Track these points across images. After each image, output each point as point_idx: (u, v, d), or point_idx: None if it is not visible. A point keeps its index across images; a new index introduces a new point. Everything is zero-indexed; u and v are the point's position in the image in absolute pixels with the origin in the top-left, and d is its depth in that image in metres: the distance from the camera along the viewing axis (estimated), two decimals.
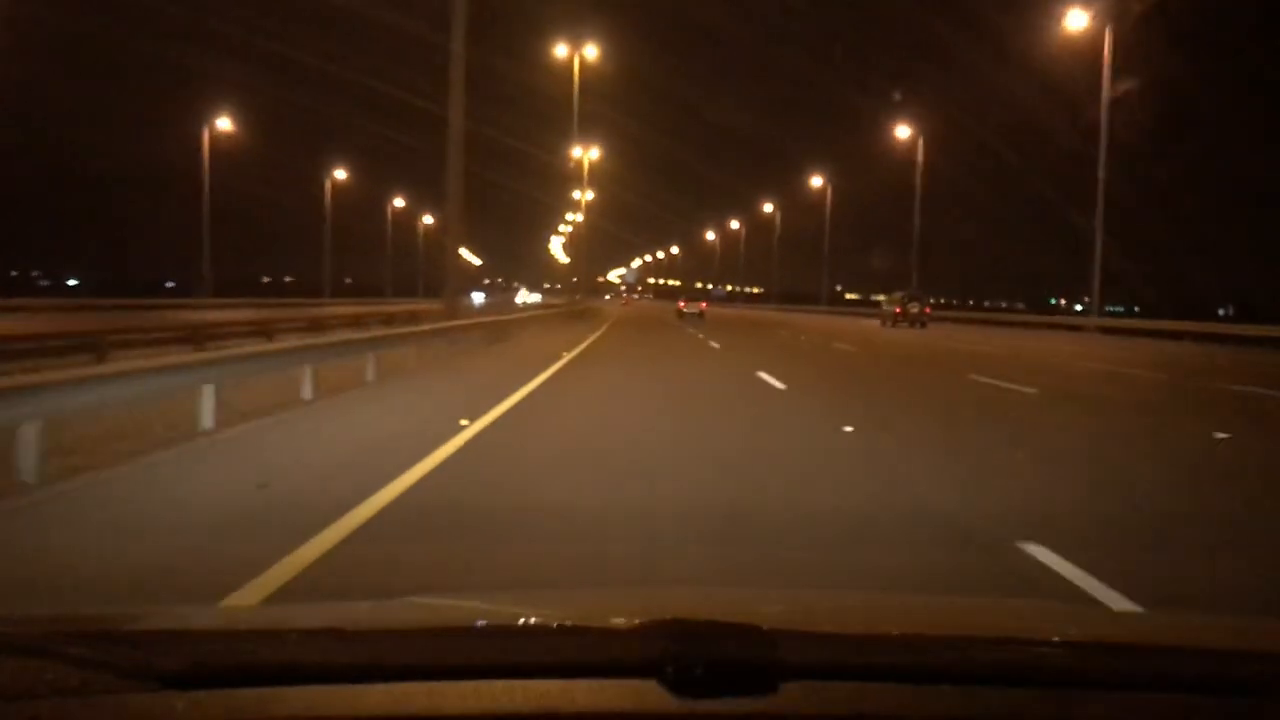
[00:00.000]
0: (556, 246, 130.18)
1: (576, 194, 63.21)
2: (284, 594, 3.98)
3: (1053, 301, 68.53)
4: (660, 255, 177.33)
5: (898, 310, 43.27)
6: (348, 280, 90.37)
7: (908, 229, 51.63)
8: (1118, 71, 34.65)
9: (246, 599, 3.85)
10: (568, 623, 1.64)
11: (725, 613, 1.57)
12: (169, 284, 66.91)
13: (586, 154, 57.35)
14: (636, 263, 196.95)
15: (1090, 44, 36.00)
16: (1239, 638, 1.68)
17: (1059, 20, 36.19)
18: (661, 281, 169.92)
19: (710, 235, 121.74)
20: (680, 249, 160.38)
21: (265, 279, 79.61)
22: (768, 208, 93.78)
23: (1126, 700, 1.33)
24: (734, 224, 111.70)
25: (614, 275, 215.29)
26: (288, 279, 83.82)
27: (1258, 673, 1.37)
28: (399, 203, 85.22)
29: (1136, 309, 50.81)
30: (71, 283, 69.04)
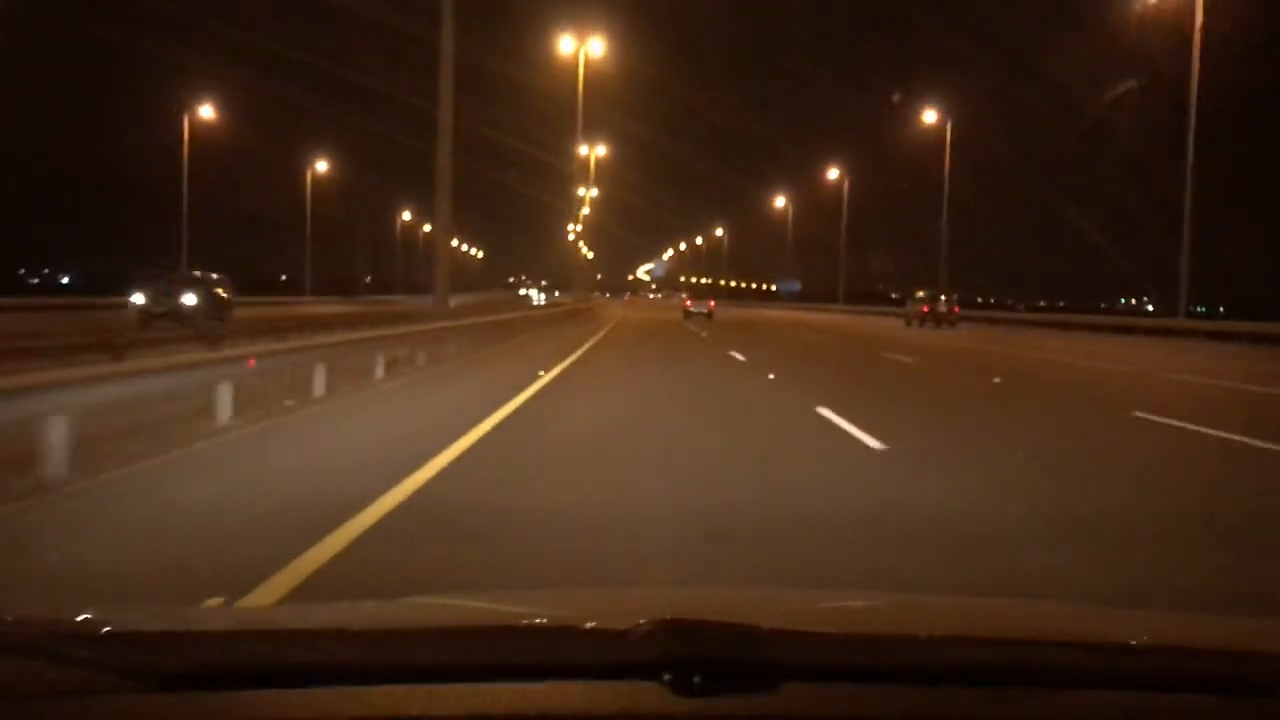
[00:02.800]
0: (582, 245, 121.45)
1: (584, 148, 54.36)
2: None
3: (1123, 302, 67.62)
4: (699, 241, 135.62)
5: (925, 309, 40.64)
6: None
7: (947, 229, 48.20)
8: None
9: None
10: (568, 623, 1.64)
11: (724, 613, 1.57)
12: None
13: (583, 51, 45.56)
14: (668, 254, 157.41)
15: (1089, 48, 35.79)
16: (1239, 637, 1.68)
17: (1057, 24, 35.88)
18: (696, 279, 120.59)
19: (779, 202, 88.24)
20: (726, 233, 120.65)
21: (283, 277, 79.43)
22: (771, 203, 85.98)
23: (1126, 700, 1.33)
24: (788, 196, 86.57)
25: (643, 272, 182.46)
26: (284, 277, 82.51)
27: (1258, 672, 1.37)
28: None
29: (1221, 309, 50.37)
30: (64, 280, 67.93)
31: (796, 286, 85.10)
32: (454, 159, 21.98)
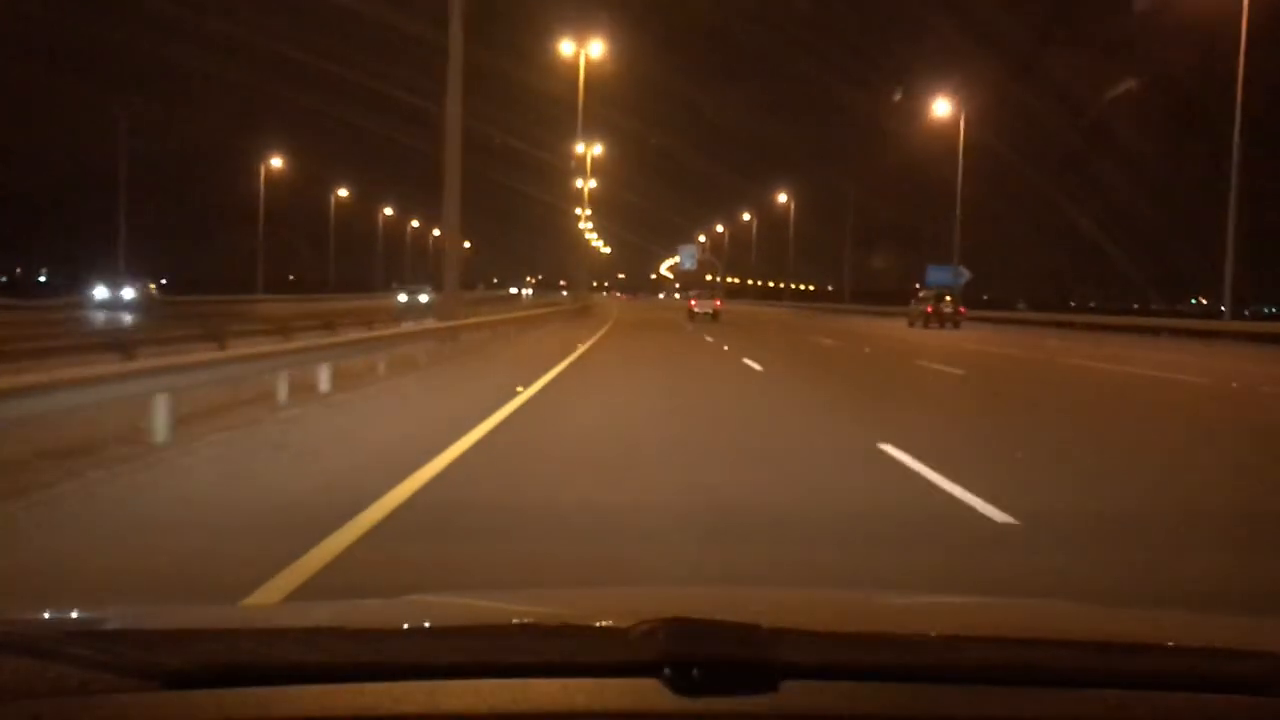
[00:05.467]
0: (598, 240, 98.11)
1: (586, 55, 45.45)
2: None
3: (1193, 302, 65.67)
4: (747, 217, 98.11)
5: (929, 309, 39.86)
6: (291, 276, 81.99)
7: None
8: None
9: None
10: (568, 623, 1.65)
11: (725, 612, 1.57)
12: (162, 281, 61.72)
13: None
14: (693, 248, 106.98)
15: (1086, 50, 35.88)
16: (1239, 636, 1.68)
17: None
18: (715, 279, 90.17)
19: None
20: (792, 202, 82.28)
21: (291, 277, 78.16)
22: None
23: (1127, 700, 1.33)
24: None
25: (665, 268, 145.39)
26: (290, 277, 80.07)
27: (1258, 671, 1.37)
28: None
29: None
30: (41, 279, 64.72)
31: (965, 277, 49.18)
32: (453, 154, 20.20)
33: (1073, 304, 67.92)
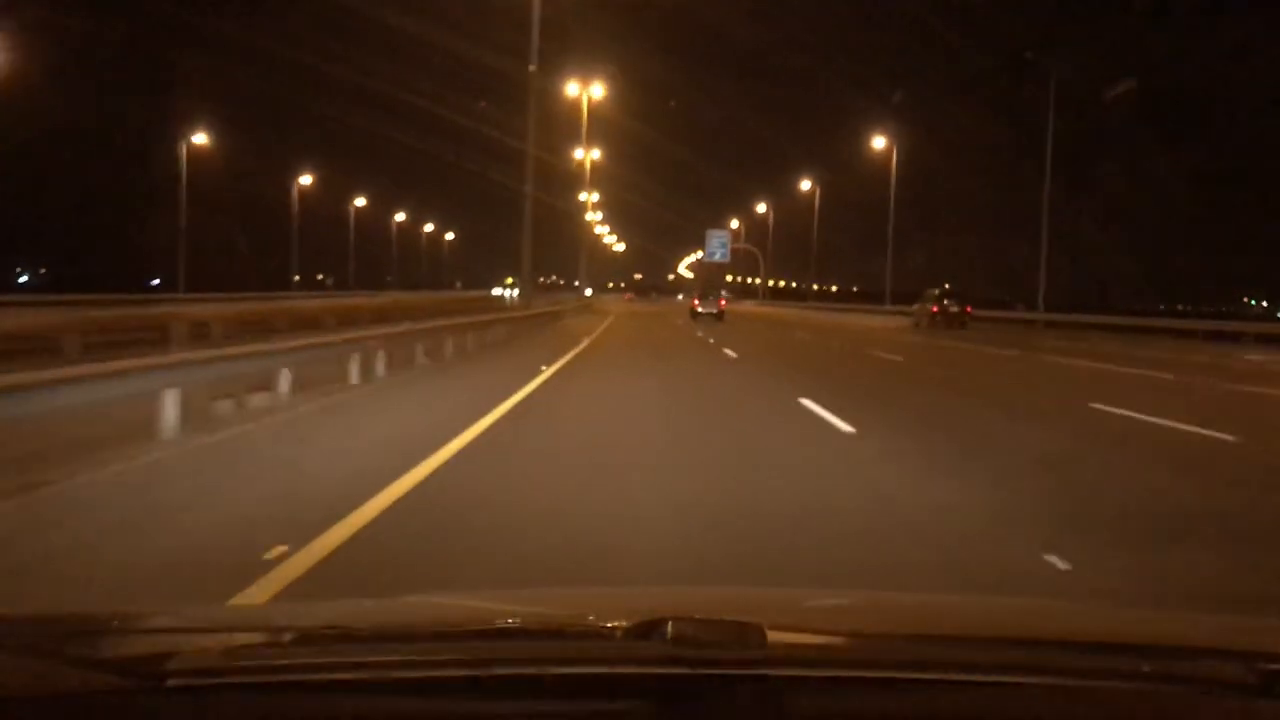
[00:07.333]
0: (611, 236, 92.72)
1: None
2: None
3: (1250, 303, 63.42)
4: (806, 185, 71.63)
5: (934, 309, 37.20)
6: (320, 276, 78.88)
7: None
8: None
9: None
10: (567, 621, 1.65)
11: (724, 612, 1.57)
12: (154, 281, 53.63)
13: None
14: (724, 234, 74.77)
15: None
16: (1240, 637, 1.68)
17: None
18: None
19: None
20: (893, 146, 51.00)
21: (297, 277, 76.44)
22: None
23: (1126, 699, 1.33)
24: None
25: (684, 267, 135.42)
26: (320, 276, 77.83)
27: (1258, 672, 1.37)
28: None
29: None
30: (23, 279, 59.39)
31: None
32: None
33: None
